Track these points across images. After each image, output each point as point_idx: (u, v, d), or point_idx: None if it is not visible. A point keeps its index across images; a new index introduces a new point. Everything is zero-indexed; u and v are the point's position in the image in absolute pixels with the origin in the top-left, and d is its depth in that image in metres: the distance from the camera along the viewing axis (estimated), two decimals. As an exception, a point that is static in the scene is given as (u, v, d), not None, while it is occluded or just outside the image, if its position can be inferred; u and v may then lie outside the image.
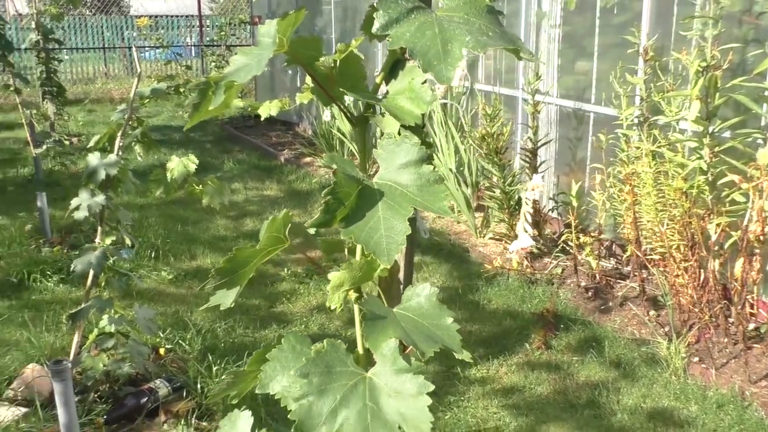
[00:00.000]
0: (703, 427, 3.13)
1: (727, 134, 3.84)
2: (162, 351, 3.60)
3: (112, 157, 2.98)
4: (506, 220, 5.26)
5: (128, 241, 3.18)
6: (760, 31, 3.84)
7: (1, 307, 4.26)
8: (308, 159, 8.36)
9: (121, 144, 3.05)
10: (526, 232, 4.50)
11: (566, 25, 5.37)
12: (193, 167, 3.05)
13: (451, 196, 5.81)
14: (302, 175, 7.81)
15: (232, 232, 5.89)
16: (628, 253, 4.35)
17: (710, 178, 3.76)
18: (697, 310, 3.77)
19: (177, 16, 18.10)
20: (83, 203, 2.96)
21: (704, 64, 3.71)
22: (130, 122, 3.06)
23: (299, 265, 4.96)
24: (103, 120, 11.11)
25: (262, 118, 1.83)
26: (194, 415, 3.08)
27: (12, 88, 5.44)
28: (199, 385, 3.28)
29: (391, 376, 0.90)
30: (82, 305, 3.01)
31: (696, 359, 3.64)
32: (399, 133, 1.00)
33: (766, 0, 3.80)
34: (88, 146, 3.10)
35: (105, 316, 3.15)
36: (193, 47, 16.86)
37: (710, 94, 3.73)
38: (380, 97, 1.02)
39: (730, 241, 3.66)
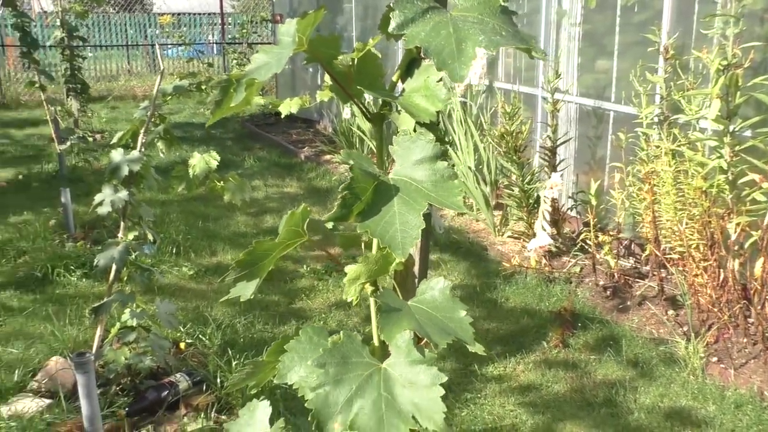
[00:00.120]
0: (721, 427, 3.13)
1: (747, 133, 3.82)
2: (182, 345, 3.65)
3: (135, 153, 3.03)
4: (525, 218, 5.26)
5: (150, 237, 3.22)
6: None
7: (25, 301, 4.33)
8: (328, 156, 8.39)
9: (143, 140, 3.10)
10: (545, 230, 4.50)
11: (586, 23, 5.36)
12: (214, 164, 3.08)
13: (468, 194, 5.82)
14: (322, 172, 7.84)
15: (252, 228, 5.93)
16: (647, 252, 4.34)
17: (730, 177, 3.75)
18: (716, 309, 3.76)
19: (199, 14, 18.23)
20: (106, 199, 3.00)
21: (725, 62, 3.69)
22: (152, 119, 3.10)
23: (318, 262, 4.99)
24: (125, 117, 11.23)
25: (282, 116, 1.85)
26: (214, 409, 3.13)
27: (37, 85, 5.52)
28: (218, 380, 3.32)
29: (406, 367, 0.92)
30: (105, 299, 3.06)
31: (714, 359, 3.63)
32: (414, 130, 1.02)
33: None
34: (112, 142, 3.14)
35: (127, 310, 3.19)
36: (214, 45, 16.96)
37: (731, 93, 3.71)
38: (396, 94, 1.04)
39: (750, 240, 3.64)
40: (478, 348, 0.98)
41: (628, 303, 4.30)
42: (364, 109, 1.08)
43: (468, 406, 3.29)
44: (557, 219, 5.03)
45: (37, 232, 5.37)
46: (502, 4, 0.94)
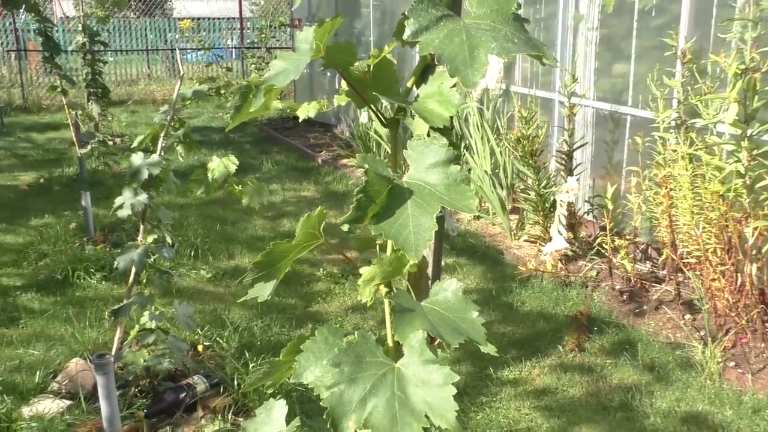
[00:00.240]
0: (738, 432, 3.12)
1: (765, 137, 3.81)
2: (200, 348, 3.68)
3: (154, 157, 3.07)
4: (541, 222, 5.26)
5: (169, 240, 3.26)
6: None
7: (46, 303, 4.39)
8: (345, 160, 8.42)
9: (163, 144, 3.14)
10: (561, 234, 4.50)
11: (603, 27, 5.35)
12: (233, 168, 3.11)
13: (485, 198, 5.83)
14: (339, 176, 7.88)
15: (270, 232, 5.97)
16: (664, 256, 4.33)
17: (748, 182, 3.74)
18: (733, 314, 3.74)
19: (218, 19, 18.37)
20: (126, 202, 3.04)
21: (743, 66, 3.69)
22: (172, 123, 3.14)
23: (335, 265, 5.02)
24: (145, 121, 11.32)
25: (300, 120, 1.87)
26: (231, 411, 3.16)
27: (59, 89, 5.59)
28: (236, 382, 3.35)
29: (419, 367, 0.94)
30: (124, 302, 3.10)
31: (732, 364, 3.61)
32: (428, 135, 1.04)
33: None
34: (132, 146, 3.19)
35: (146, 313, 3.22)
36: (233, 49, 17.06)
37: (749, 97, 3.70)
38: (411, 100, 1.07)
39: (768, 245, 3.63)
40: (490, 348, 1.00)
41: (645, 307, 4.30)
42: (379, 114, 1.11)
43: (483, 410, 3.30)
44: (573, 223, 5.02)
45: (58, 235, 5.43)
46: (515, 11, 0.96)
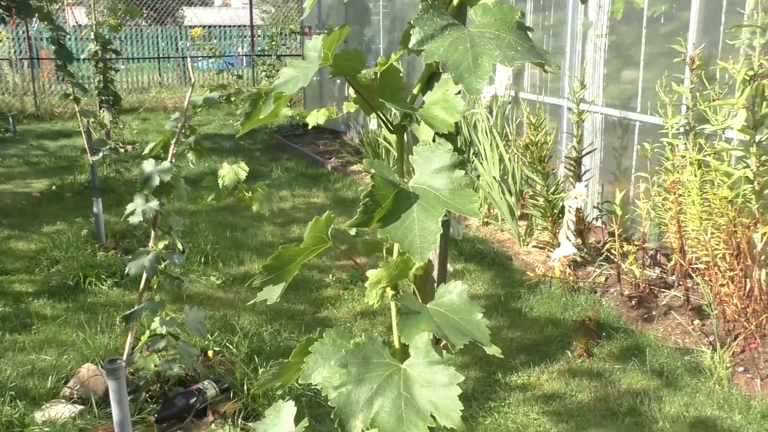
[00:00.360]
0: (747, 438, 3.12)
1: (774, 143, 3.81)
2: (210, 353, 3.71)
3: (165, 164, 3.10)
4: (549, 228, 5.27)
5: (180, 246, 3.29)
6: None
7: (58, 309, 4.43)
8: (355, 167, 8.45)
9: (174, 151, 3.17)
10: (569, 240, 4.51)
11: (612, 34, 5.37)
12: (243, 174, 3.13)
13: (494, 204, 5.85)
14: (348, 183, 7.90)
15: (279, 238, 6.00)
16: (673, 262, 4.33)
17: (757, 187, 3.74)
18: (742, 319, 3.74)
19: (229, 26, 18.48)
20: (138, 208, 3.08)
21: (751, 72, 3.70)
22: (183, 130, 3.17)
23: (344, 271, 5.04)
24: (156, 128, 11.40)
25: (309, 127, 1.90)
26: (241, 416, 3.18)
27: (71, 97, 5.64)
28: (245, 387, 3.37)
29: (424, 368, 0.96)
30: (135, 307, 3.13)
31: (741, 369, 3.61)
32: (434, 140, 1.07)
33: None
34: (143, 153, 3.22)
35: (157, 318, 3.25)
36: (244, 57, 17.15)
37: (757, 103, 3.71)
38: (417, 107, 1.09)
39: (777, 250, 3.63)
40: (494, 350, 1.02)
41: (654, 313, 4.29)
42: (386, 121, 1.13)
43: (492, 415, 3.31)
44: (582, 229, 5.03)
45: (70, 241, 5.48)
46: (518, 20, 0.98)
